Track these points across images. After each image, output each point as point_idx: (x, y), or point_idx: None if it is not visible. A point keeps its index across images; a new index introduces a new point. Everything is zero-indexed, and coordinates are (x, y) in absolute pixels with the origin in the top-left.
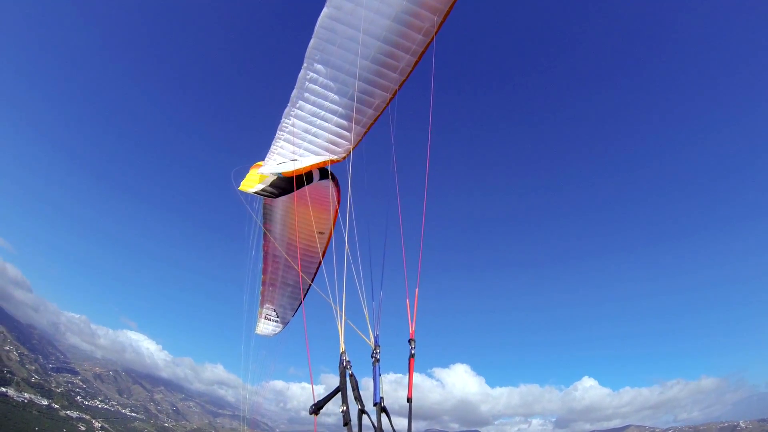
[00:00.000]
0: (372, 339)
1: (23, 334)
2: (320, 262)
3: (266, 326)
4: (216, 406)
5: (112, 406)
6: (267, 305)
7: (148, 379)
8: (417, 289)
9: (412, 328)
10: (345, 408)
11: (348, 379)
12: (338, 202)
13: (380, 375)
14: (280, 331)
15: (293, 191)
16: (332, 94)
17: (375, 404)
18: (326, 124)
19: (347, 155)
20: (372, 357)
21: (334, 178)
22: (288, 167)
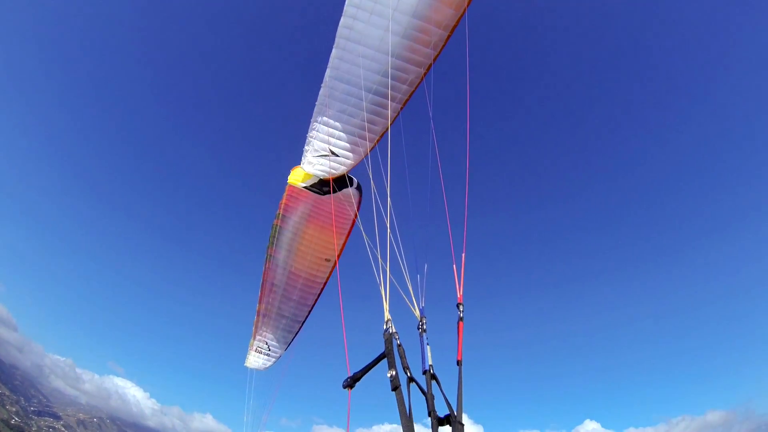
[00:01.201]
0: (417, 310)
1: (5, 374)
2: (320, 294)
3: (257, 359)
4: None
5: None
6: (259, 337)
7: (134, 428)
8: (464, 254)
9: (459, 293)
10: (394, 373)
11: (395, 347)
12: (358, 207)
13: (427, 344)
14: (270, 365)
15: (330, 193)
16: (365, 71)
17: (424, 372)
18: (362, 102)
19: (385, 131)
20: (418, 328)
21: (359, 187)
22: (324, 166)
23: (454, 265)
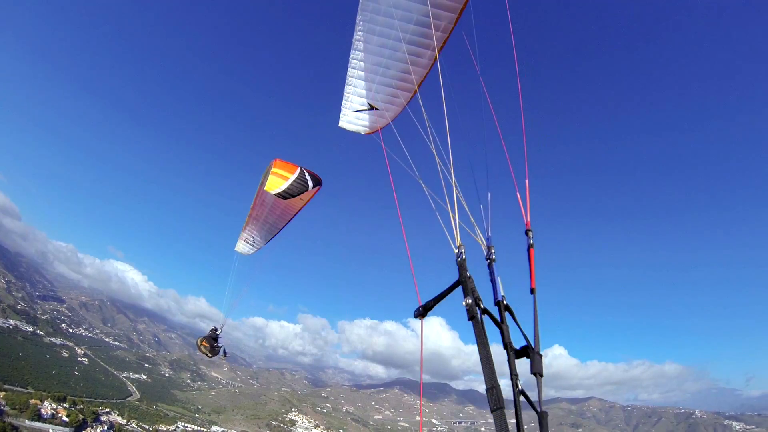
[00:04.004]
0: (484, 241)
1: (11, 261)
2: (295, 215)
3: (243, 247)
4: (197, 338)
5: (96, 334)
6: (248, 231)
7: (132, 310)
8: (527, 180)
9: (527, 219)
10: (469, 301)
11: (467, 276)
12: (312, 196)
13: (497, 275)
14: (253, 253)
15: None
16: (398, 21)
17: (496, 303)
18: (397, 53)
19: (423, 79)
20: (487, 259)
21: (318, 182)
22: (365, 121)
23: (518, 193)
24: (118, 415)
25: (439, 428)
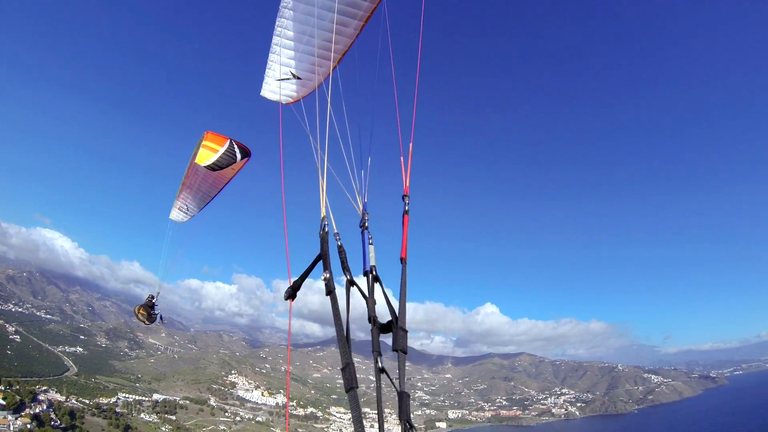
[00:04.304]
0: (360, 206)
1: None
2: (228, 182)
3: (178, 215)
4: (132, 305)
5: (27, 309)
6: (182, 200)
7: (63, 279)
8: (411, 144)
9: (406, 184)
10: (328, 275)
11: (337, 248)
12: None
13: (370, 243)
14: (187, 221)
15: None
16: None
17: (365, 273)
18: (323, 22)
19: (347, 50)
20: (360, 226)
21: (247, 154)
22: (287, 90)
23: (401, 156)
24: (56, 392)
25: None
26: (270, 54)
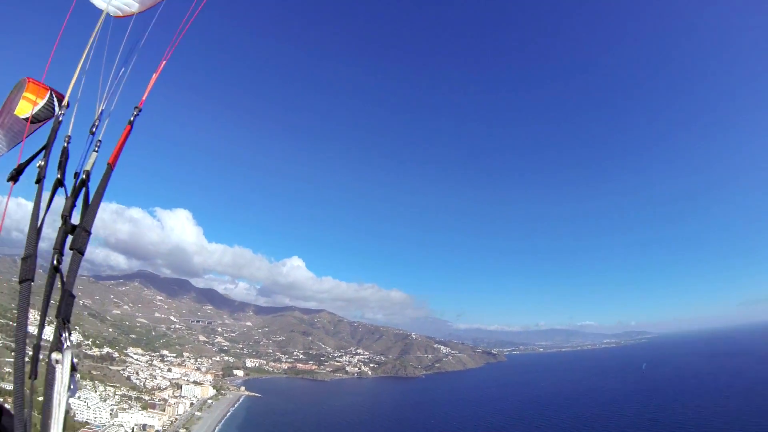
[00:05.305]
0: (98, 111)
1: None
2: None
3: None
4: None
5: None
6: None
7: None
8: (164, 62)
9: (143, 98)
10: (42, 163)
11: (62, 140)
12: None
13: (95, 150)
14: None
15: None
16: None
17: (75, 174)
18: None
19: None
20: (89, 131)
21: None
22: (120, 3)
23: (155, 73)
24: None
25: (177, 326)
26: None
